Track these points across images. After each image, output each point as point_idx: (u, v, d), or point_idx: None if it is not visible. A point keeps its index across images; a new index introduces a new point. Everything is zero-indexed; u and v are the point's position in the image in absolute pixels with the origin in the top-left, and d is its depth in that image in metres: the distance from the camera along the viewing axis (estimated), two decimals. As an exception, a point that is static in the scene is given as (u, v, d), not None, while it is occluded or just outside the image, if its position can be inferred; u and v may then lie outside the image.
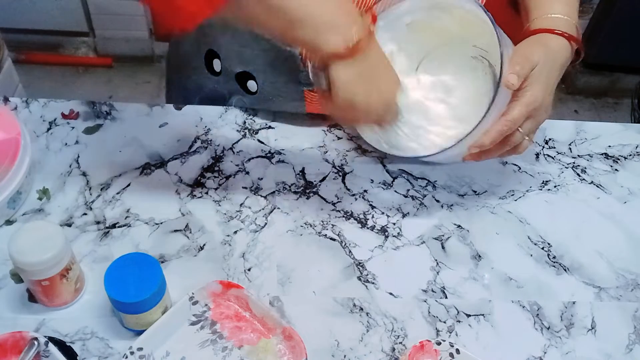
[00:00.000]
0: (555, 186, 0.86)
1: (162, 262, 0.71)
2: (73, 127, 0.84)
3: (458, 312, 0.71)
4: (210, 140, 0.85)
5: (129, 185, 0.78)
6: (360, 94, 0.62)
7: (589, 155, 0.91)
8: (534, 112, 0.68)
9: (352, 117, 0.68)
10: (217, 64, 0.85)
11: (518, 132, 0.69)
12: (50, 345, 0.60)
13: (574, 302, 0.73)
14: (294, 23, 0.58)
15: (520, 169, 0.87)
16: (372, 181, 0.83)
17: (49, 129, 0.83)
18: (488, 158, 0.72)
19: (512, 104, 0.67)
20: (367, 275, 0.73)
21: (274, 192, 0.80)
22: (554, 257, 0.77)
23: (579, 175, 0.88)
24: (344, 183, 0.82)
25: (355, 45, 0.59)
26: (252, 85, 0.84)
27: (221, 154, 0.83)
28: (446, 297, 0.72)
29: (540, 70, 0.67)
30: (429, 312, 0.70)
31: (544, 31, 0.70)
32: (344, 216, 0.78)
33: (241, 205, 0.78)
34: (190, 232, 0.74)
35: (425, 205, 0.81)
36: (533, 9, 0.74)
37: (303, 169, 0.83)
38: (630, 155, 0.92)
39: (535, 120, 0.69)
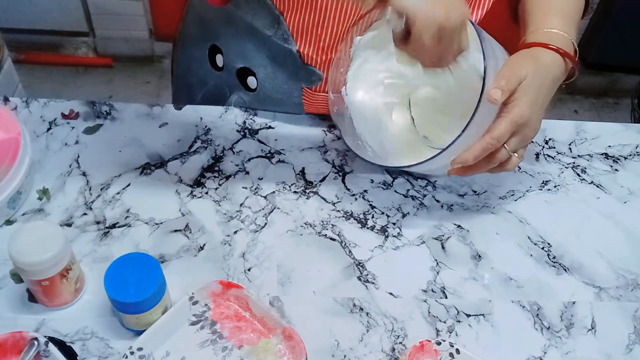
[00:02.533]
0: (555, 186, 0.86)
1: (162, 262, 0.71)
2: (73, 127, 0.84)
3: (458, 312, 0.71)
4: (210, 140, 0.85)
5: (129, 185, 0.78)
6: (438, 10, 0.58)
7: (589, 155, 0.91)
8: (521, 128, 0.66)
9: (436, 46, 0.61)
10: (219, 59, 0.86)
11: (503, 149, 0.66)
12: (50, 345, 0.60)
13: (574, 302, 0.73)
14: None
15: (520, 169, 0.87)
16: (372, 181, 0.83)
17: (49, 129, 0.83)
18: (475, 173, 0.70)
19: (498, 120, 0.65)
20: (367, 275, 0.73)
21: (274, 192, 0.80)
22: (554, 257, 0.77)
23: (579, 175, 0.88)
24: (344, 183, 0.82)
25: None
26: (252, 81, 0.84)
27: (221, 154, 0.83)
28: (446, 297, 0.72)
29: (529, 84, 0.65)
30: (429, 312, 0.70)
31: (538, 45, 0.69)
32: (344, 216, 0.78)
33: (241, 205, 0.78)
34: (190, 232, 0.74)
35: (425, 205, 0.81)
36: (530, 22, 0.72)
37: (303, 169, 0.83)
38: (630, 155, 0.92)
39: (522, 136, 0.67)
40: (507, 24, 0.79)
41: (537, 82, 0.66)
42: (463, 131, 0.63)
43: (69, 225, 0.73)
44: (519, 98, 0.65)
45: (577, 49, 0.71)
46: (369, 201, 0.80)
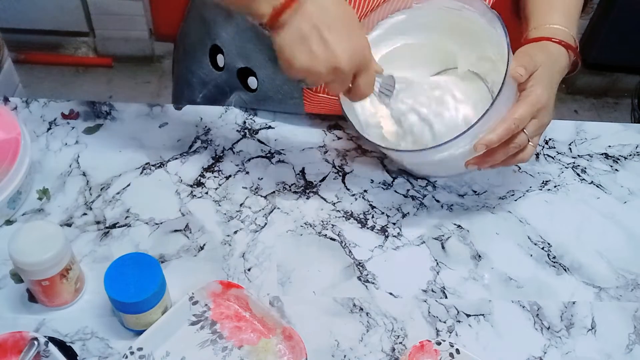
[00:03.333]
0: (555, 186, 0.86)
1: (162, 262, 0.71)
2: (73, 127, 0.84)
3: (458, 312, 0.71)
4: (210, 140, 0.85)
5: (129, 185, 0.78)
6: (299, 58, 0.61)
7: (589, 155, 0.91)
8: (539, 112, 0.68)
9: (295, 77, 0.65)
10: (220, 59, 0.86)
11: (523, 134, 0.68)
12: (50, 345, 0.60)
13: (574, 302, 0.73)
14: None
15: (520, 169, 0.87)
16: (372, 181, 0.83)
17: (49, 129, 0.83)
18: (492, 164, 0.70)
19: (518, 103, 0.68)
20: (367, 275, 0.73)
21: (274, 192, 0.80)
22: (554, 257, 0.77)
23: (579, 175, 0.88)
24: (344, 183, 0.82)
25: (282, 6, 0.58)
26: (252, 82, 0.84)
27: (221, 154, 0.83)
28: (446, 297, 0.72)
29: (543, 72, 0.68)
30: (429, 312, 0.70)
31: (543, 39, 0.72)
32: (344, 216, 0.78)
33: (241, 205, 0.78)
34: (190, 232, 0.74)
35: (425, 205, 0.81)
36: (532, 18, 0.75)
37: (303, 169, 0.83)
38: (630, 155, 0.92)
39: (540, 121, 0.69)
40: (510, 18, 0.80)
41: (549, 70, 0.69)
42: (487, 111, 0.64)
43: (69, 225, 0.73)
44: (535, 85, 0.68)
45: (577, 43, 0.73)
46: (369, 201, 0.80)
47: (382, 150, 0.75)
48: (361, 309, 0.69)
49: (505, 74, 0.64)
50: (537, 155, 0.90)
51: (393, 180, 0.83)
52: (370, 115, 0.79)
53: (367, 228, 0.77)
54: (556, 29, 0.72)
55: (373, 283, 0.72)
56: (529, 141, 0.70)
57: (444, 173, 0.83)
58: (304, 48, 0.60)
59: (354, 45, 0.62)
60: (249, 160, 0.83)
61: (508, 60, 0.65)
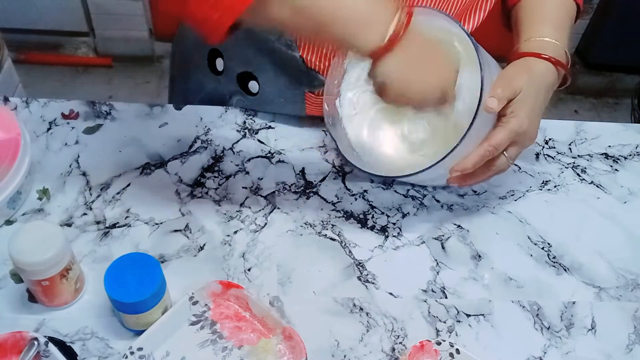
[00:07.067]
0: (555, 186, 0.86)
1: (162, 262, 0.71)
2: (73, 127, 0.84)
3: (458, 312, 0.71)
4: (210, 140, 0.85)
5: (129, 185, 0.78)
6: (413, 84, 0.60)
7: (589, 155, 0.91)
8: (519, 137, 0.68)
9: (408, 103, 0.64)
10: (219, 63, 0.86)
11: (502, 157, 0.69)
12: (50, 345, 0.60)
13: (574, 302, 0.73)
14: (324, 24, 0.56)
15: (520, 169, 0.87)
16: (372, 181, 0.83)
17: (49, 129, 0.83)
18: (474, 182, 0.72)
19: (497, 129, 0.67)
20: (367, 275, 0.73)
21: (274, 192, 0.80)
22: (554, 257, 0.77)
23: (579, 175, 0.88)
24: (344, 183, 0.82)
25: (393, 38, 0.56)
26: (253, 86, 0.84)
27: (221, 154, 0.83)
28: (446, 297, 0.72)
29: (525, 96, 0.67)
30: (429, 312, 0.70)
31: (531, 55, 0.70)
32: (344, 216, 0.78)
33: (241, 205, 0.78)
34: (190, 232, 0.74)
35: (425, 205, 0.81)
36: (523, 31, 0.74)
37: (303, 169, 0.83)
38: (630, 155, 0.92)
39: (520, 146, 0.69)
40: (501, 33, 0.80)
41: (533, 93, 0.68)
42: (461, 140, 0.64)
43: (69, 225, 0.73)
44: (517, 110, 0.67)
45: (569, 56, 0.72)
46: (369, 201, 0.80)
47: (364, 171, 0.76)
48: (361, 309, 0.69)
49: (478, 106, 0.64)
50: (537, 155, 0.90)
51: (393, 180, 0.83)
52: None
53: (367, 228, 0.77)
54: (546, 43, 0.71)
55: (373, 283, 0.72)
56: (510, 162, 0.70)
57: (434, 184, 0.83)
58: (421, 74, 0.60)
59: (451, 56, 0.63)
60: (249, 160, 0.83)
61: (482, 88, 0.63)
